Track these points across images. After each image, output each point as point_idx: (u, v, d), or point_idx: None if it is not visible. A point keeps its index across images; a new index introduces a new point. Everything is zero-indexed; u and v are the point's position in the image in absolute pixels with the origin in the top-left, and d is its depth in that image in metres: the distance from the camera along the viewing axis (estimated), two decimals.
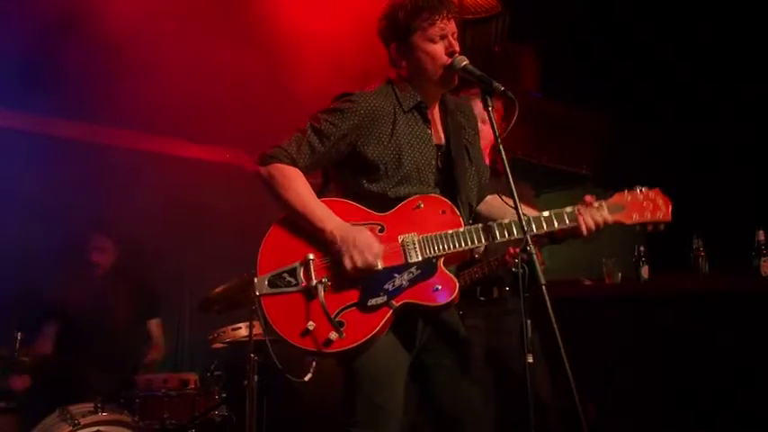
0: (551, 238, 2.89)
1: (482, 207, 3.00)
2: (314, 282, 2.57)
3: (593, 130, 7.16)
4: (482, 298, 3.88)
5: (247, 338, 4.57)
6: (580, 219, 2.70)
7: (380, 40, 2.91)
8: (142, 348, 5.52)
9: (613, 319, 4.95)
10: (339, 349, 2.55)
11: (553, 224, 2.70)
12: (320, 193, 2.76)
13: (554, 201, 6.78)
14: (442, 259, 2.65)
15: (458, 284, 2.64)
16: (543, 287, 2.44)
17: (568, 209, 2.72)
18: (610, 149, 6.94)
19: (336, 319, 2.54)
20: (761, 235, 4.62)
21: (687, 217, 5.54)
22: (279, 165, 2.69)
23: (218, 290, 4.70)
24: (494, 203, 2.99)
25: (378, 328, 2.55)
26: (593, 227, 2.71)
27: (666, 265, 5.10)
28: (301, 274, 2.61)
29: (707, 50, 6.24)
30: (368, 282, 2.59)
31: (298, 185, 2.67)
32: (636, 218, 2.77)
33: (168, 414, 4.67)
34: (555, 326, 2.40)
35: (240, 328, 4.85)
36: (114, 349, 5.21)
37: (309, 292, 2.58)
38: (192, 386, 4.92)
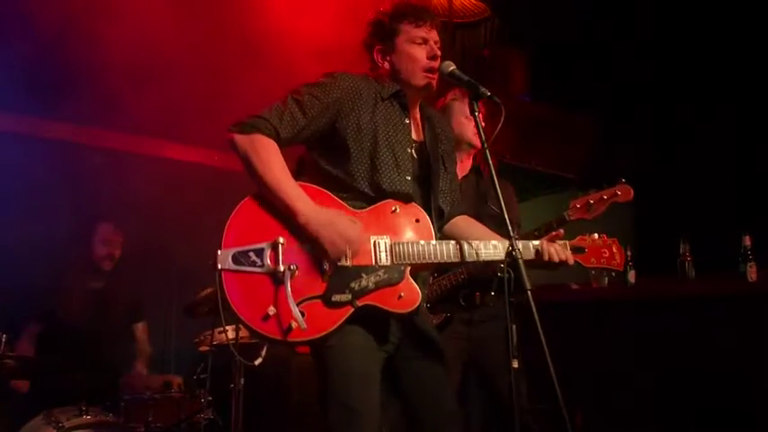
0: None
1: (447, 228, 3.00)
2: (281, 267, 2.51)
3: (582, 134, 7.17)
4: (464, 303, 3.86)
5: (234, 342, 4.55)
6: (543, 245, 2.80)
7: (364, 47, 2.97)
8: (128, 351, 5.49)
9: (600, 324, 4.96)
10: (298, 339, 2.51)
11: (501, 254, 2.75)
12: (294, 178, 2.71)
13: (542, 205, 6.82)
14: (410, 267, 2.65)
15: (420, 296, 2.63)
16: (529, 292, 2.45)
17: (535, 242, 2.82)
18: (598, 153, 6.96)
19: (299, 309, 2.50)
20: (747, 240, 4.63)
21: (674, 222, 5.60)
22: (260, 136, 2.63)
23: (204, 292, 4.68)
24: (461, 225, 3.03)
25: (337, 325, 2.54)
26: (555, 258, 2.79)
27: (653, 269, 5.11)
28: (268, 256, 2.55)
29: (697, 55, 6.26)
30: (335, 276, 2.57)
31: (276, 162, 2.62)
32: (593, 262, 2.91)
33: (153, 417, 4.64)
34: (540, 331, 2.40)
35: (227, 331, 4.83)
36: (102, 352, 5.18)
37: (275, 276, 2.52)
38: (177, 389, 4.89)
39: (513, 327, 2.45)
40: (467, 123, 3.86)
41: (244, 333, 4.65)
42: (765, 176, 5.76)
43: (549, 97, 6.90)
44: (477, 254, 2.73)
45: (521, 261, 2.52)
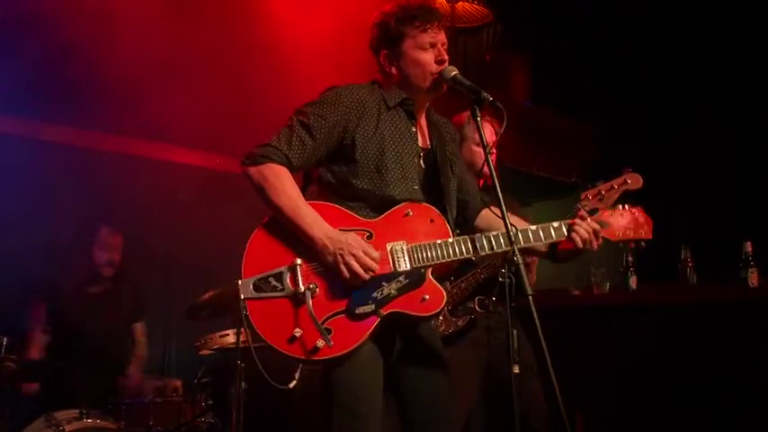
0: (553, 257, 2.90)
1: (479, 222, 3.00)
2: (302, 288, 2.53)
3: (583, 140, 7.19)
4: (479, 309, 3.81)
5: (234, 345, 4.56)
6: (577, 228, 2.74)
7: (371, 49, 2.92)
8: (127, 353, 5.48)
9: (601, 329, 4.95)
10: (327, 357, 2.52)
11: (540, 237, 2.75)
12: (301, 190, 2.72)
13: (544, 210, 6.82)
14: (431, 269, 2.64)
15: (445, 295, 2.63)
16: (530, 297, 2.45)
17: (555, 223, 2.77)
18: (599, 159, 6.97)
19: (323, 326, 2.51)
20: (748, 246, 4.63)
21: (675, 227, 5.60)
22: (272, 165, 2.64)
23: (205, 296, 4.68)
24: (490, 217, 2.99)
25: (366, 337, 2.54)
26: (586, 236, 2.75)
27: (654, 275, 5.10)
28: (288, 279, 2.56)
29: (698, 58, 6.27)
30: (356, 290, 2.56)
31: (289, 189, 2.62)
32: (620, 234, 2.86)
33: (154, 421, 4.64)
34: (541, 336, 2.40)
35: (228, 334, 4.84)
36: (104, 355, 5.18)
37: (296, 298, 2.54)
38: (176, 393, 4.89)
39: (515, 332, 2.45)
40: (477, 151, 3.83)
41: (244, 337, 4.65)
42: (766, 182, 5.76)
43: (551, 102, 6.92)
44: (492, 246, 2.69)
45: (522, 266, 2.50)
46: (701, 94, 6.21)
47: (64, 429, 4.17)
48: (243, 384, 4.42)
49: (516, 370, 2.44)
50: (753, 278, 4.54)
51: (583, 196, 3.40)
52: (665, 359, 4.66)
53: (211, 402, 4.82)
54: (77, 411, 4.30)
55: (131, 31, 5.36)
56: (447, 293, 3.68)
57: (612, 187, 3.34)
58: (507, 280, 2.50)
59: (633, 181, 3.35)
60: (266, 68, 5.78)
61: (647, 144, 6.52)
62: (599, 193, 3.36)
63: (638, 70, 6.66)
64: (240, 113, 5.60)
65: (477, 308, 3.80)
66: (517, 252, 2.53)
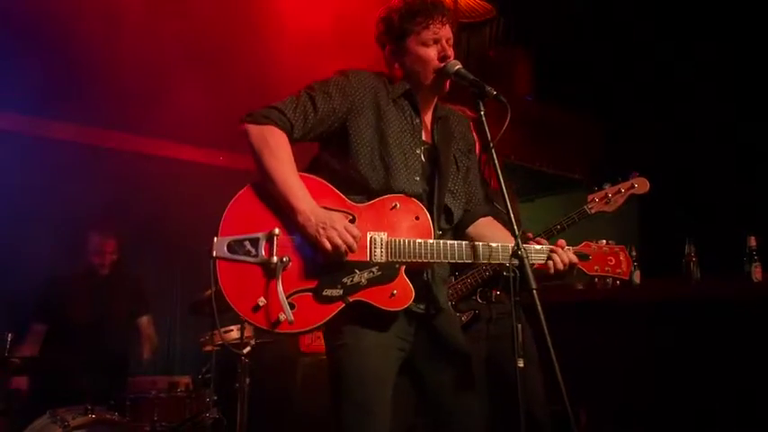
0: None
1: (471, 230, 2.97)
2: (274, 258, 2.51)
3: (587, 135, 7.18)
4: (481, 300, 3.82)
5: (239, 341, 4.57)
6: (555, 257, 2.72)
7: (377, 44, 2.91)
8: (133, 349, 5.50)
9: (605, 324, 4.95)
10: (286, 332, 2.52)
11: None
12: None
13: (548, 205, 6.82)
14: (405, 266, 2.62)
15: (413, 294, 2.60)
16: (534, 291, 2.44)
17: (538, 246, 2.76)
18: (602, 154, 6.97)
19: (288, 301, 2.49)
20: (752, 241, 4.62)
21: (679, 222, 5.60)
22: (273, 128, 2.63)
23: (209, 291, 4.68)
24: (485, 227, 2.97)
25: (327, 320, 2.53)
26: (560, 267, 2.73)
27: (658, 270, 5.11)
28: (263, 246, 2.55)
29: (702, 56, 6.27)
30: (327, 271, 2.55)
31: (285, 158, 2.61)
32: (597, 269, 2.83)
33: (159, 416, 4.66)
34: (545, 330, 2.40)
35: (231, 330, 4.85)
36: (107, 351, 5.19)
37: (268, 268, 2.52)
38: (183, 388, 4.91)
39: (519, 326, 2.45)
40: None
41: (249, 333, 4.66)
42: None
43: (554, 98, 6.91)
44: (474, 255, 2.67)
45: (526, 260, 2.50)
46: (708, 87, 6.20)
47: (69, 425, 4.19)
48: (247, 380, 4.44)
49: (521, 364, 2.43)
50: (756, 272, 4.53)
51: (589, 198, 3.40)
52: (669, 354, 4.67)
53: (216, 398, 4.83)
54: (83, 407, 4.32)
55: (134, 31, 5.37)
56: (453, 287, 3.73)
57: (620, 191, 3.34)
58: (512, 274, 2.50)
59: (640, 185, 3.35)
60: (268, 67, 5.78)
61: (650, 139, 6.52)
62: (605, 196, 3.35)
63: (642, 64, 6.65)
64: (244, 112, 5.61)
65: (479, 299, 3.82)
66: (521, 246, 2.53)
